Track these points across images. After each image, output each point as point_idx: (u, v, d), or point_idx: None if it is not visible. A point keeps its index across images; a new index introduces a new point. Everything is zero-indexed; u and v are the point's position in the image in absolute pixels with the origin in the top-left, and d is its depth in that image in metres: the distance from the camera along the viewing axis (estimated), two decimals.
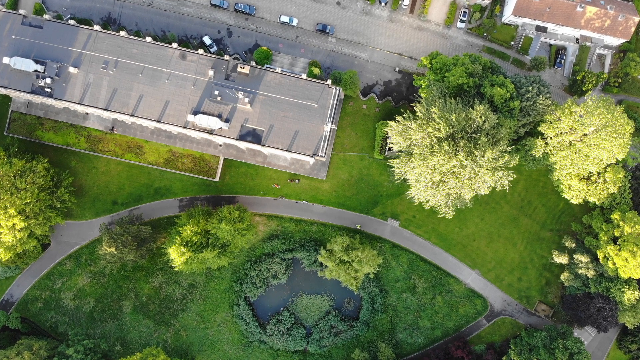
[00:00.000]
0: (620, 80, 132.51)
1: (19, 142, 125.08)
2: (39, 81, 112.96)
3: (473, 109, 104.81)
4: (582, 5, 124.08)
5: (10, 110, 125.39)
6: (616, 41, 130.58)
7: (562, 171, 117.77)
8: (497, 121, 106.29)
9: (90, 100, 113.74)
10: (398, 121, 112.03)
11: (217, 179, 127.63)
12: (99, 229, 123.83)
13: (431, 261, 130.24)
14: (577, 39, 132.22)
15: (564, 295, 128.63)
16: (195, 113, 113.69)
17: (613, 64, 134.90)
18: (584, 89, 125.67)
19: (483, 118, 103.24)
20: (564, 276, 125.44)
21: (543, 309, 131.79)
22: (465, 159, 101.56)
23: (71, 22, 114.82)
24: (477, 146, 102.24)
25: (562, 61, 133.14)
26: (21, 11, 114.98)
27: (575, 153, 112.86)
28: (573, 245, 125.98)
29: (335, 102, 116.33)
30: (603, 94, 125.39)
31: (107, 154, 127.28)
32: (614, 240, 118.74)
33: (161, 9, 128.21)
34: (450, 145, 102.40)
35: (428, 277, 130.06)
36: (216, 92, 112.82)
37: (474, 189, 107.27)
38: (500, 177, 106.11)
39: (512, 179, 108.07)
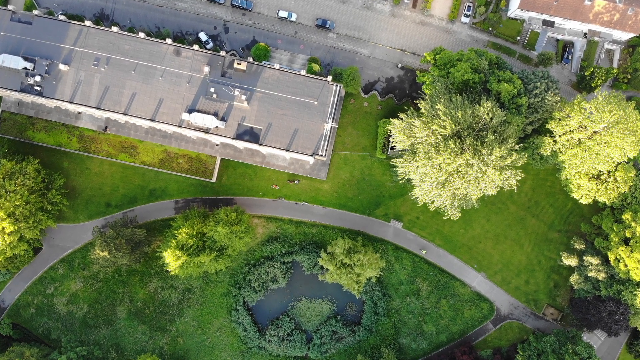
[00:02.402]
0: (629, 76, 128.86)
1: (9, 143, 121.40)
2: (28, 79, 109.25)
3: (479, 105, 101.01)
4: None
5: (0, 110, 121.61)
6: (625, 35, 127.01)
7: (571, 170, 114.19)
8: (504, 118, 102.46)
9: (81, 98, 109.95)
10: (401, 119, 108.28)
11: (214, 180, 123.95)
12: (92, 232, 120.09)
13: (436, 264, 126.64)
14: (585, 34, 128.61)
15: (573, 299, 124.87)
16: (190, 111, 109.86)
17: (622, 60, 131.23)
18: (592, 85, 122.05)
19: (490, 115, 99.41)
20: (573, 279, 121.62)
21: (551, 312, 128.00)
22: (472, 158, 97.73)
23: (61, 17, 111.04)
24: (484, 144, 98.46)
25: (570, 57, 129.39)
26: (10, 7, 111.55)
27: (585, 151, 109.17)
28: (582, 246, 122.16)
29: (335, 99, 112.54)
30: (614, 90, 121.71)
31: (100, 154, 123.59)
32: (626, 241, 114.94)
33: (155, 4, 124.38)
34: (457, 143, 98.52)
35: (432, 280, 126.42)
36: (212, 90, 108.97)
37: (480, 189, 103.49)
38: (508, 177, 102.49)
39: (520, 178, 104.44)
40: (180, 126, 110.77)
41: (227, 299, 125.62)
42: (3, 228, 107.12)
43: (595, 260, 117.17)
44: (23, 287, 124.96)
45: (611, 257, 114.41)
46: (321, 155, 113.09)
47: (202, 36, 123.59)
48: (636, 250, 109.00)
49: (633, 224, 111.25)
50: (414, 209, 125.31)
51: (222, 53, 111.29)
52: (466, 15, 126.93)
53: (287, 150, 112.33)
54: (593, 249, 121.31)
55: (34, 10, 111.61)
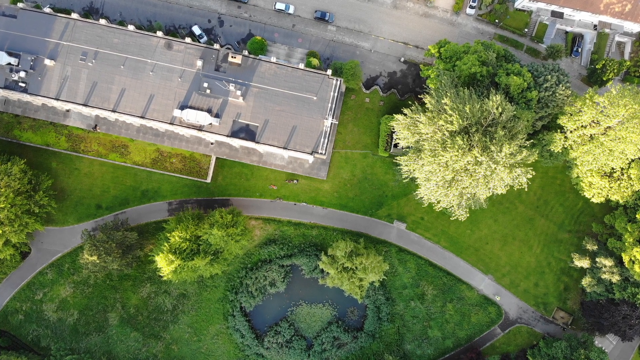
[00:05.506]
0: None
1: None
2: (12, 75, 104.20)
3: (488, 99, 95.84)
4: None
5: None
6: (637, 27, 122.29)
7: (582, 167, 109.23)
8: (514, 113, 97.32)
9: (68, 95, 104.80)
10: (405, 114, 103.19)
11: (208, 180, 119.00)
12: (81, 236, 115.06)
13: (441, 266, 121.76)
14: (595, 26, 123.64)
15: (584, 302, 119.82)
16: (182, 108, 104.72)
17: (633, 52, 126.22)
18: (604, 79, 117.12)
19: (500, 109, 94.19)
20: (585, 281, 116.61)
21: (561, 316, 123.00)
22: (481, 155, 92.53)
23: (47, 10, 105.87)
24: (494, 140, 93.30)
25: (580, 50, 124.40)
26: None
27: (598, 147, 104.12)
28: (595, 247, 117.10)
29: (336, 94, 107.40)
30: (628, 84, 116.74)
31: (90, 154, 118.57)
32: None
33: None
34: (464, 139, 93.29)
35: (438, 283, 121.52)
36: (205, 85, 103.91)
37: (490, 188, 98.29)
38: (519, 175, 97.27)
39: (531, 176, 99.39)
40: (172, 123, 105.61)
41: (224, 304, 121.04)
42: None
43: (608, 262, 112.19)
44: (11, 292, 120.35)
45: (625, 258, 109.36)
46: (321, 154, 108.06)
47: (196, 30, 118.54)
48: None
49: None
50: (418, 209, 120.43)
51: (216, 46, 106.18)
52: (471, 7, 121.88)
53: (285, 148, 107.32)
54: (606, 250, 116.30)
55: (18, 3, 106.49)
